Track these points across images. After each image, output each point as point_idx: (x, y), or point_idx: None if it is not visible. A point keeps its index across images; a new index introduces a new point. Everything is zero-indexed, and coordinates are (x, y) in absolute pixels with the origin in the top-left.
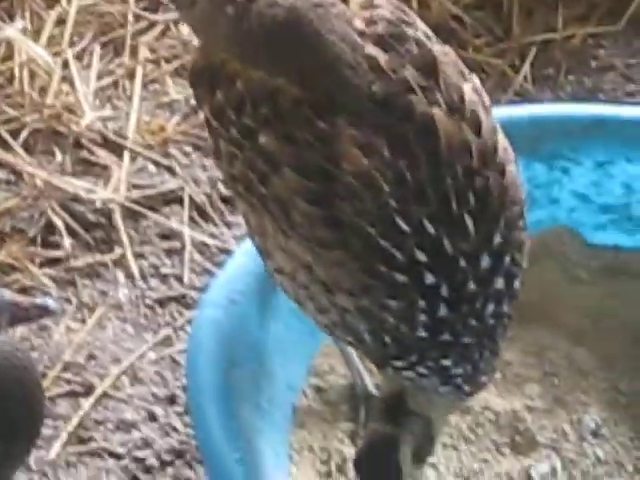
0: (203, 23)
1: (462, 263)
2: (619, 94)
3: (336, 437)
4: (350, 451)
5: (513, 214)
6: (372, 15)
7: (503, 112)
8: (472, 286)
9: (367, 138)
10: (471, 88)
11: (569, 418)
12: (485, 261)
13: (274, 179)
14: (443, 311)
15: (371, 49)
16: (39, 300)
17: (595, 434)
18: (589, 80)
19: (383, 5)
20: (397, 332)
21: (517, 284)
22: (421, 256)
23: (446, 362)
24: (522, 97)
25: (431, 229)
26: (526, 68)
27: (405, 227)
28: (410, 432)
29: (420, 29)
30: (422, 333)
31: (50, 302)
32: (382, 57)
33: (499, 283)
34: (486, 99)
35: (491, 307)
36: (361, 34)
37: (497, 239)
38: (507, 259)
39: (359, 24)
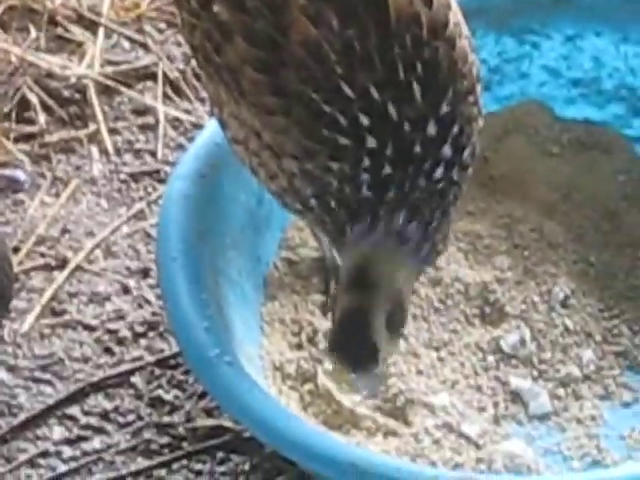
0: None
1: (407, 128)
2: None
3: (307, 309)
4: (321, 323)
5: (462, 87)
6: None
7: None
8: (418, 149)
9: (317, 8)
10: None
11: (538, 289)
12: (432, 128)
13: (227, 48)
14: (387, 170)
15: None
16: (8, 172)
17: (564, 305)
18: None
19: None
20: (342, 195)
21: (467, 155)
22: (365, 120)
23: (397, 220)
24: None
25: (376, 95)
26: None
27: (350, 93)
28: (379, 303)
29: None
30: (366, 192)
31: (19, 174)
32: None
33: (446, 150)
34: None
35: (440, 171)
36: None
37: (444, 108)
38: (455, 129)
39: None
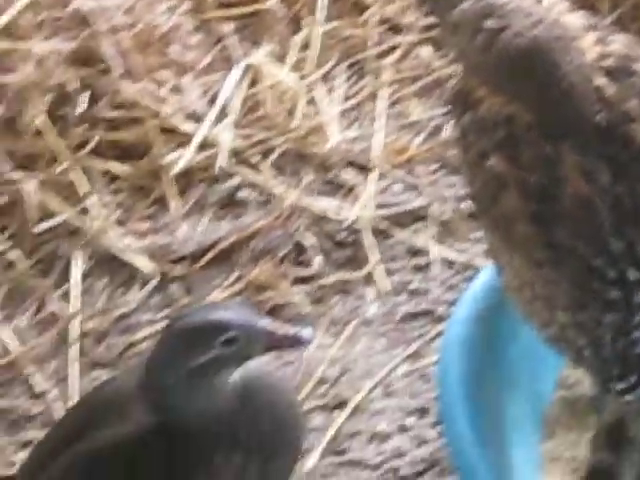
0: (460, 50)
1: None
2: None
3: (585, 446)
4: None
5: None
6: (604, 50)
7: None
8: None
9: (590, 164)
10: None
11: None
12: None
13: (502, 199)
14: None
15: (600, 81)
16: (293, 331)
17: None
18: None
19: (615, 41)
20: (616, 348)
21: None
22: (633, 274)
23: None
24: None
25: None
26: None
27: (618, 247)
28: (630, 461)
29: None
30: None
31: (304, 332)
32: (609, 89)
33: None
34: None
35: None
36: (593, 67)
37: None
38: None
39: (591, 57)
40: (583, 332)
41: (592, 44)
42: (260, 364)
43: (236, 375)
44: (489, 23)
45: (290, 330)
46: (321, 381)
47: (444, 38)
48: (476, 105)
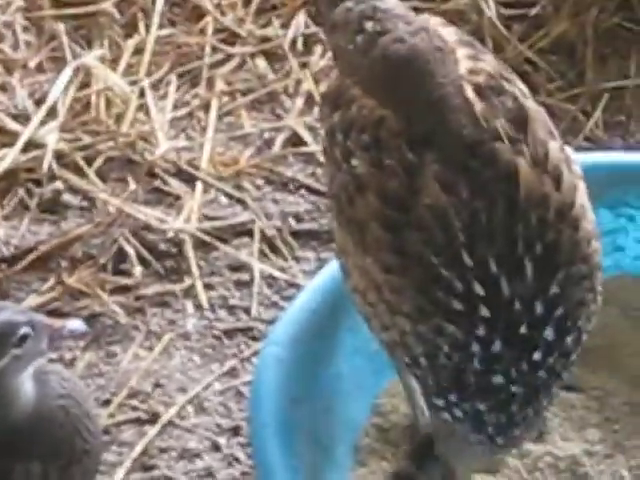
0: (338, 49)
1: (517, 306)
2: None
3: None
4: None
5: (579, 271)
6: (476, 66)
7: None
8: (524, 330)
9: (451, 177)
10: (557, 146)
11: (628, 464)
12: (539, 308)
13: (359, 201)
14: (497, 346)
15: (470, 96)
16: (62, 323)
17: None
18: None
19: (487, 60)
20: (451, 361)
21: (569, 342)
22: (479, 290)
23: (482, 406)
24: (592, 143)
25: (493, 267)
26: (597, 114)
27: (468, 261)
28: (429, 476)
29: (518, 87)
30: (477, 365)
31: (78, 324)
32: (479, 105)
33: (549, 334)
34: (571, 157)
35: (538, 355)
36: (465, 82)
37: (553, 289)
38: (559, 312)
39: (464, 72)
40: (422, 340)
41: (465, 59)
42: (60, 371)
43: (28, 384)
44: (370, 25)
45: (62, 323)
46: (133, 394)
47: (325, 33)
48: (347, 105)
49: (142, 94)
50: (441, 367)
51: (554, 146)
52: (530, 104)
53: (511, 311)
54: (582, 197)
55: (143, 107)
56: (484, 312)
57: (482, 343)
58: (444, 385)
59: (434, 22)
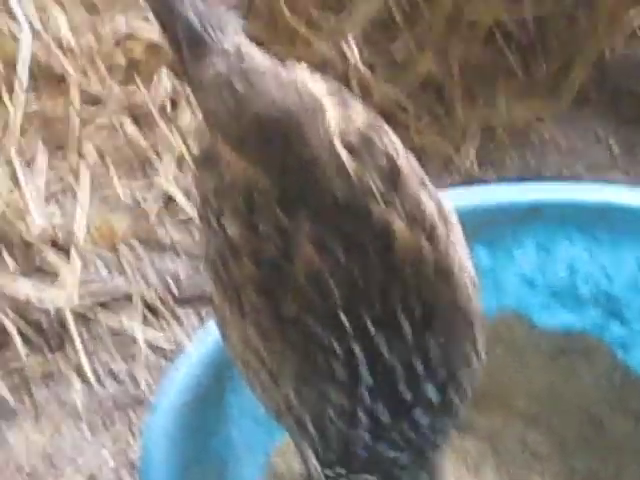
0: (207, 110)
1: (399, 368)
2: (565, 173)
3: None
4: None
5: (460, 328)
6: (346, 121)
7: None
8: (408, 394)
9: (325, 238)
10: (430, 197)
11: None
12: (420, 369)
13: (233, 266)
14: (383, 412)
15: (342, 153)
16: None
17: None
18: (534, 160)
19: (357, 111)
20: (338, 429)
21: (455, 401)
22: (360, 353)
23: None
24: (466, 178)
25: (372, 330)
26: (469, 149)
27: (347, 324)
28: None
29: (389, 137)
30: (364, 434)
31: None
32: (351, 163)
33: (433, 396)
34: (444, 205)
35: (425, 420)
36: (338, 141)
37: (434, 350)
38: (442, 372)
39: (334, 128)
40: (306, 407)
41: (335, 116)
42: None
43: None
44: (240, 86)
45: None
46: (29, 476)
47: (193, 93)
48: (218, 166)
49: (13, 169)
50: (330, 436)
51: (426, 198)
52: (401, 155)
53: (393, 374)
54: (459, 248)
55: (15, 181)
56: (367, 377)
57: (367, 410)
58: (332, 457)
59: (302, 76)
